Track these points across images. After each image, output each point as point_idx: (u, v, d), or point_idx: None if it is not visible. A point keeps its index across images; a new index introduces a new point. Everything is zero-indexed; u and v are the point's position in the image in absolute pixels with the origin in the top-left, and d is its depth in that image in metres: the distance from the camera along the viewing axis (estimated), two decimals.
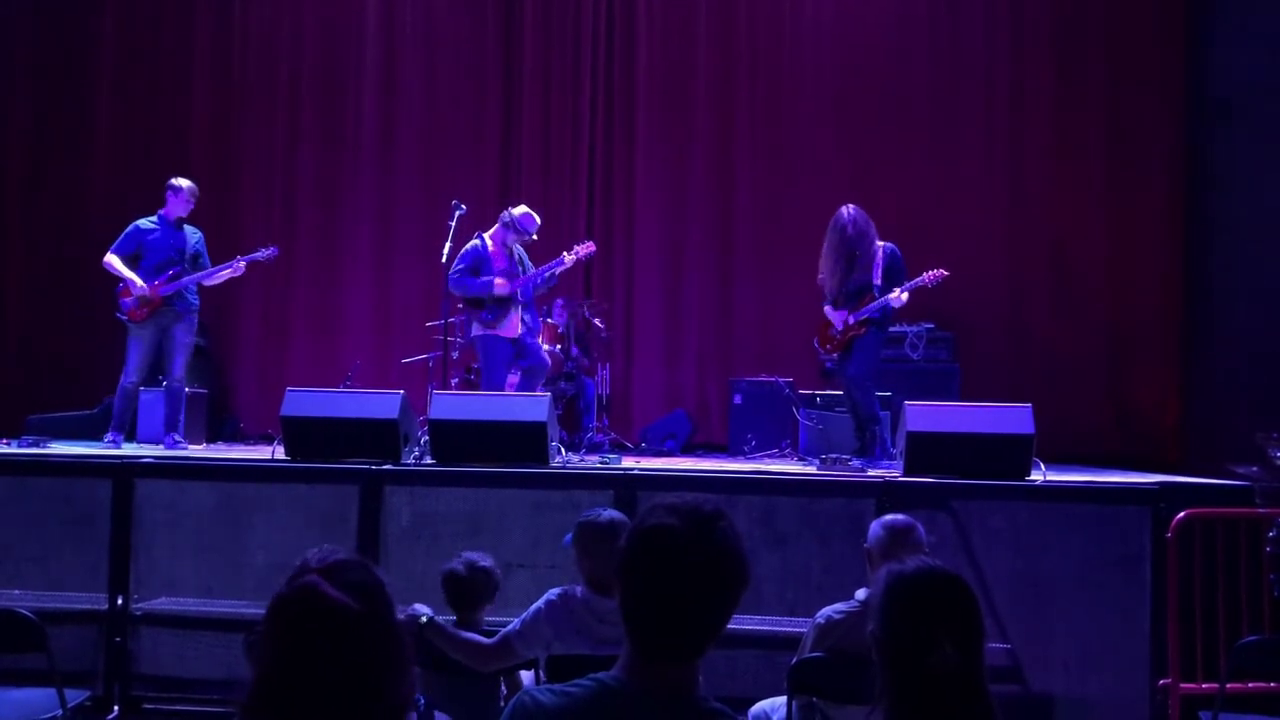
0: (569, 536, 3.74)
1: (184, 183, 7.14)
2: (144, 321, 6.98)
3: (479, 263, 7.09)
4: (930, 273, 6.55)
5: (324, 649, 1.76)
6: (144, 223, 7.13)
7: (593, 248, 7.41)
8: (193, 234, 7.18)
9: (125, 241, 7.07)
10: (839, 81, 9.17)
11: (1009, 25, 9.01)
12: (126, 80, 9.66)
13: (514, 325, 7.16)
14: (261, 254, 7.20)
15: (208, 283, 7.18)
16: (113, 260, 7.02)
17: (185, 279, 7.01)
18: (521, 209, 7.31)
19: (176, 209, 7.10)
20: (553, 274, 7.25)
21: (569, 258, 7.19)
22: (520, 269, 7.22)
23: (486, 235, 7.21)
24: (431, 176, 9.35)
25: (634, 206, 9.34)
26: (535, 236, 7.30)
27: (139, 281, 6.93)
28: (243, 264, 7.11)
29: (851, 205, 6.71)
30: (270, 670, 1.78)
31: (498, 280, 7.05)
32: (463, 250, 7.17)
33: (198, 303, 7.20)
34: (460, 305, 7.25)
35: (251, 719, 1.78)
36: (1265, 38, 7.78)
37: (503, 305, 7.08)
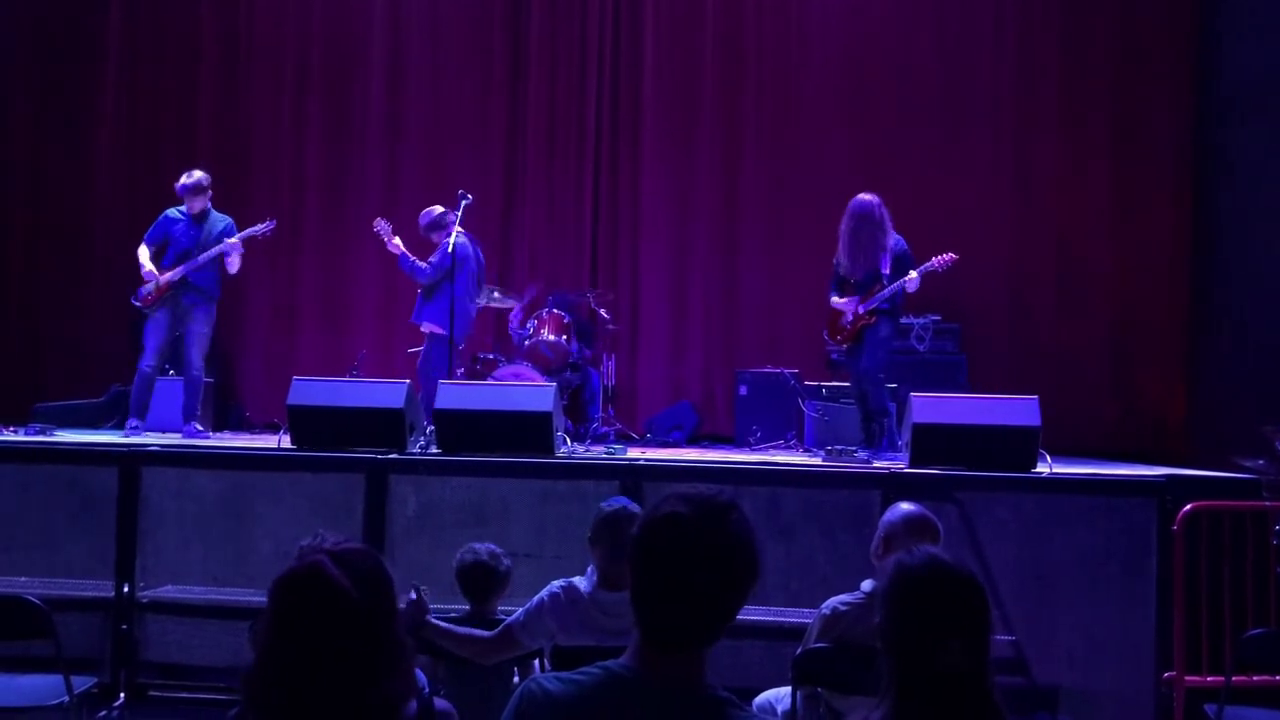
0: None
1: (189, 177, 7.12)
2: (154, 306, 7.02)
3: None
4: (939, 257, 6.52)
5: (318, 628, 1.80)
6: (172, 212, 7.17)
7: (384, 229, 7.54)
8: (217, 222, 7.14)
9: (154, 231, 7.14)
10: (846, 73, 9.13)
11: (1017, 17, 8.96)
12: (132, 67, 9.64)
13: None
14: (259, 229, 7.13)
15: (230, 268, 7.15)
16: (140, 249, 7.10)
17: (187, 264, 6.98)
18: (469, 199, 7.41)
19: (191, 204, 7.11)
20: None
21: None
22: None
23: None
24: (437, 166, 9.33)
25: (640, 196, 9.31)
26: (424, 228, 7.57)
27: (148, 267, 7.01)
28: (238, 240, 7.05)
29: (871, 194, 6.68)
30: (269, 644, 1.82)
31: None
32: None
33: (218, 293, 7.18)
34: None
35: (252, 693, 1.82)
36: (1275, 31, 7.73)
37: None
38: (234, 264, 7.12)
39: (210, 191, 7.17)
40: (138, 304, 7.07)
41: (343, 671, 1.80)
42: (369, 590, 1.86)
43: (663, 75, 9.32)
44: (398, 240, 7.47)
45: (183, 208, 7.14)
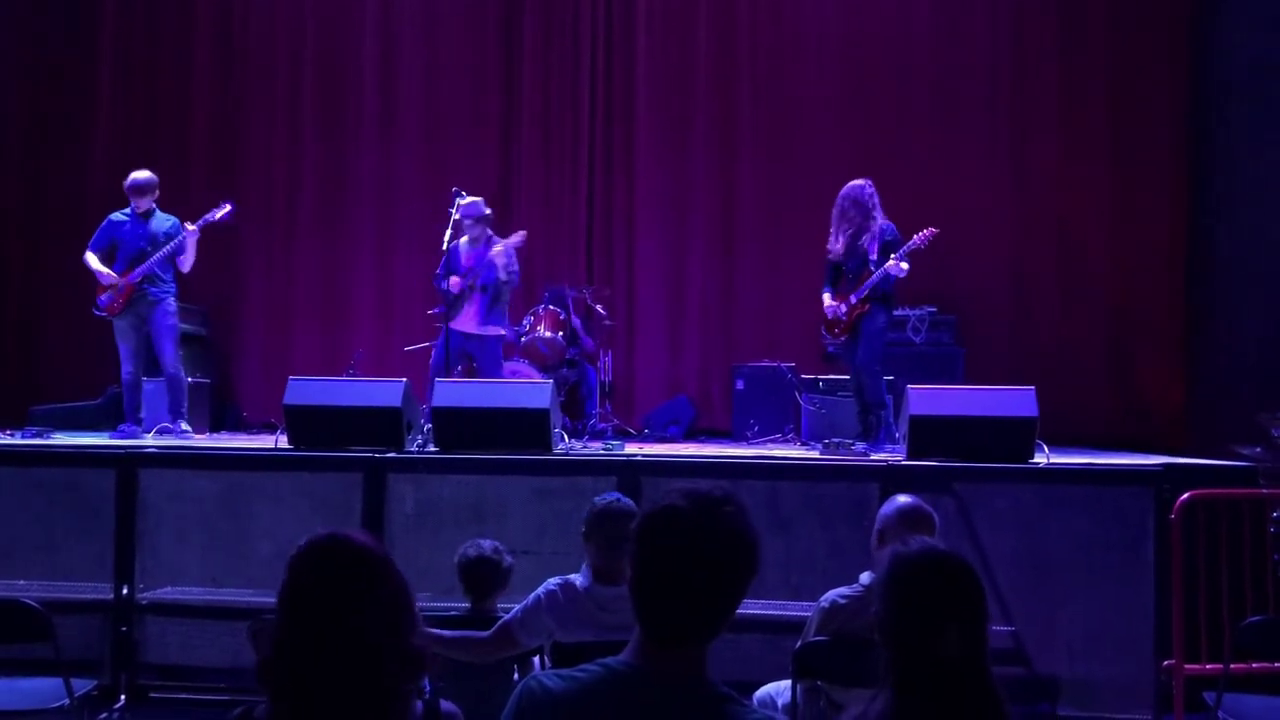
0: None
1: (136, 175, 7.04)
2: (121, 314, 6.92)
3: (449, 264, 7.17)
4: (920, 234, 6.53)
5: (347, 592, 1.77)
6: (116, 216, 7.06)
7: (522, 236, 7.38)
8: (163, 221, 7.01)
9: (99, 237, 7.03)
10: (842, 64, 9.13)
11: (1012, 8, 8.97)
12: (126, 68, 9.63)
13: (463, 320, 7.21)
14: (214, 214, 6.98)
15: (184, 266, 7.00)
16: (88, 257, 6.97)
17: (149, 261, 6.87)
18: (466, 199, 7.25)
19: (139, 203, 7.00)
20: (502, 266, 7.21)
21: (498, 247, 7.22)
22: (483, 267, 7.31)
23: (461, 240, 7.30)
24: (433, 164, 9.32)
25: (635, 191, 9.31)
26: (471, 221, 7.25)
27: (105, 270, 6.89)
28: (194, 229, 6.89)
29: (864, 179, 6.70)
30: (291, 621, 1.80)
31: (452, 279, 7.12)
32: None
33: (174, 287, 7.05)
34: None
35: (272, 676, 1.80)
36: (1270, 18, 7.74)
37: (455, 302, 7.16)
38: (187, 261, 6.97)
39: (158, 192, 7.07)
40: (101, 314, 6.95)
41: (362, 648, 1.79)
42: (389, 570, 1.85)
43: (656, 71, 9.31)
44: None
45: (126, 210, 7.04)
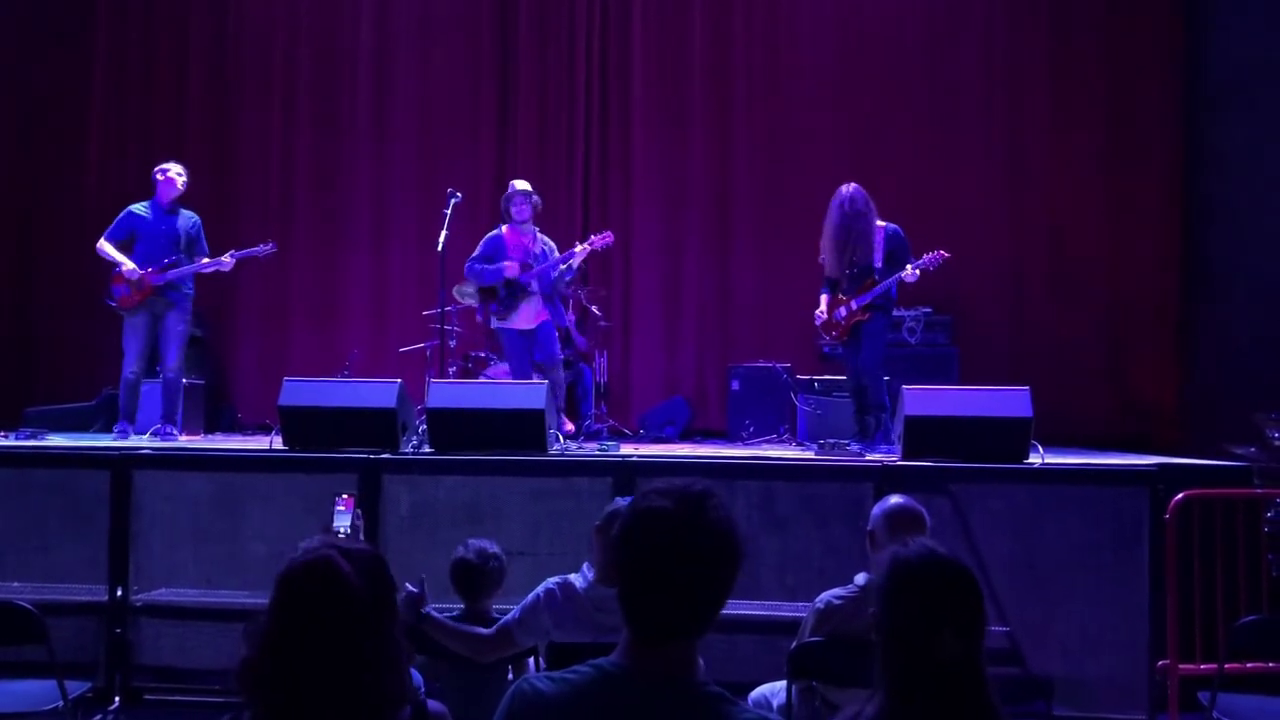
0: None
1: (171, 166, 7.03)
2: (135, 309, 6.88)
3: (495, 251, 7.16)
4: (930, 255, 6.48)
5: (323, 618, 1.82)
6: (137, 208, 7.02)
7: (610, 238, 7.32)
8: (187, 219, 7.03)
9: (117, 228, 6.97)
10: (837, 64, 9.14)
11: (1007, 7, 8.98)
12: (121, 67, 9.62)
13: (525, 317, 7.17)
14: (259, 250, 7.08)
15: (206, 269, 7.07)
16: (105, 245, 6.92)
17: (179, 270, 6.88)
18: (512, 184, 7.33)
19: (167, 193, 6.97)
20: (569, 264, 7.25)
21: (581, 247, 7.21)
22: (539, 260, 7.20)
23: (504, 226, 7.27)
24: (428, 164, 9.32)
25: (631, 192, 9.31)
26: (537, 198, 7.27)
27: (129, 264, 6.82)
28: (231, 260, 6.99)
29: (852, 184, 6.57)
30: (271, 632, 1.83)
31: (507, 264, 7.08)
32: (483, 238, 7.28)
33: (193, 291, 7.09)
34: (477, 295, 7.42)
35: (251, 682, 1.83)
36: (1264, 20, 7.76)
37: (513, 296, 7.12)
38: (212, 266, 7.04)
39: (184, 190, 7.06)
40: (113, 304, 6.91)
41: (342, 665, 1.82)
42: (373, 587, 1.89)
43: (652, 69, 9.31)
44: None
45: (146, 203, 7.02)
